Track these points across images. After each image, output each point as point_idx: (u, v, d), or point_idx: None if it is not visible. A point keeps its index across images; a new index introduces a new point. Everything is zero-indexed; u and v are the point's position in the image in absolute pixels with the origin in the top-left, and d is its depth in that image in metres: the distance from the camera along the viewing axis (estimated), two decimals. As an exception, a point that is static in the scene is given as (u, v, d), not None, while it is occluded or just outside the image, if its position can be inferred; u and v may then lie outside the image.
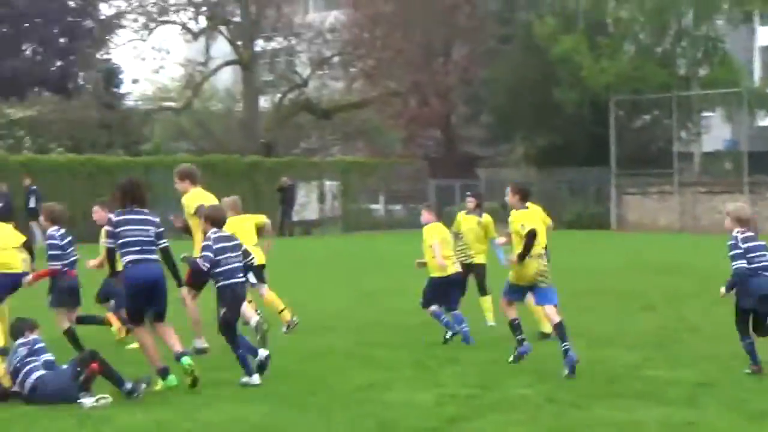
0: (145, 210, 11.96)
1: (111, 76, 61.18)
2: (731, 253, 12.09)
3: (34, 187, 39.88)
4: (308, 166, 51.63)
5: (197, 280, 13.82)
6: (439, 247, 14.83)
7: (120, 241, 11.77)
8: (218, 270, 11.94)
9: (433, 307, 14.91)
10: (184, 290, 13.59)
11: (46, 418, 10.09)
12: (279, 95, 62.41)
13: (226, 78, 68.50)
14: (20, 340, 11.37)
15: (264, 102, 63.51)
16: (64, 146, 51.45)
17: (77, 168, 43.84)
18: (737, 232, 12.18)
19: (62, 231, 13.83)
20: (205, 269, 11.92)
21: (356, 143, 66.70)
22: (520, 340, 13.13)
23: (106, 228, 12.50)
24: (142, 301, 11.79)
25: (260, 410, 10.42)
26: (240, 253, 12.19)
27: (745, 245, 12.08)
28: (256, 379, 11.71)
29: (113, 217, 11.98)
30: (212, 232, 12.16)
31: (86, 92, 58.39)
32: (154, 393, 11.18)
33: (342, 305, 19.60)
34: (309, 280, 24.57)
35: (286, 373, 12.39)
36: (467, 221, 16.49)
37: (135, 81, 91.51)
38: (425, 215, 15.38)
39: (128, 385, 10.86)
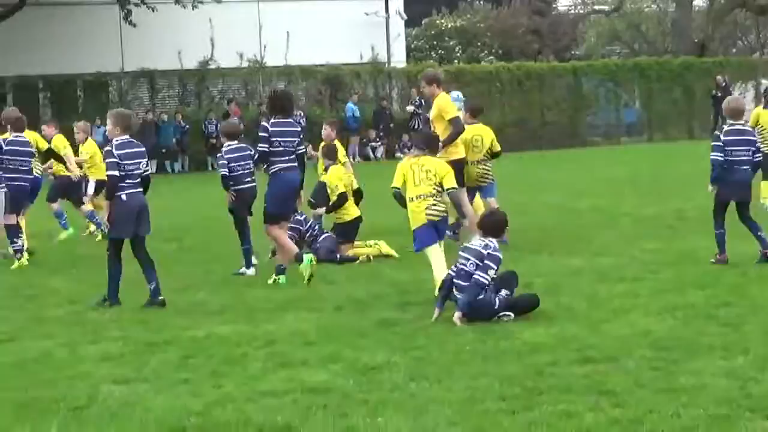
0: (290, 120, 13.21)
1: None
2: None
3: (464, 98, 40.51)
4: (743, 65, 49.18)
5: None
6: None
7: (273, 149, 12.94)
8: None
9: None
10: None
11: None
12: (714, -9, 59.75)
13: (660, -23, 66.44)
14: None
15: (698, 0, 61.01)
16: (494, 54, 51.94)
17: (506, 75, 44.01)
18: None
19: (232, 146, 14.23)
20: None
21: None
22: None
23: (261, 134, 13.07)
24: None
25: (667, 324, 9.83)
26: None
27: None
28: None
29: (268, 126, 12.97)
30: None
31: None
32: (558, 309, 10.84)
33: None
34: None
35: (702, 283, 11.72)
36: (764, 115, 19.05)
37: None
38: None
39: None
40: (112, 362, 9.25)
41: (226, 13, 39.85)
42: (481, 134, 16.35)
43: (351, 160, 38.92)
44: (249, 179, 14.10)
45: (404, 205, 11.80)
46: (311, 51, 40.87)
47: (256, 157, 13.58)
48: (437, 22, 54.69)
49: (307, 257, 12.93)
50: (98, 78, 40.11)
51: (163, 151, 38.17)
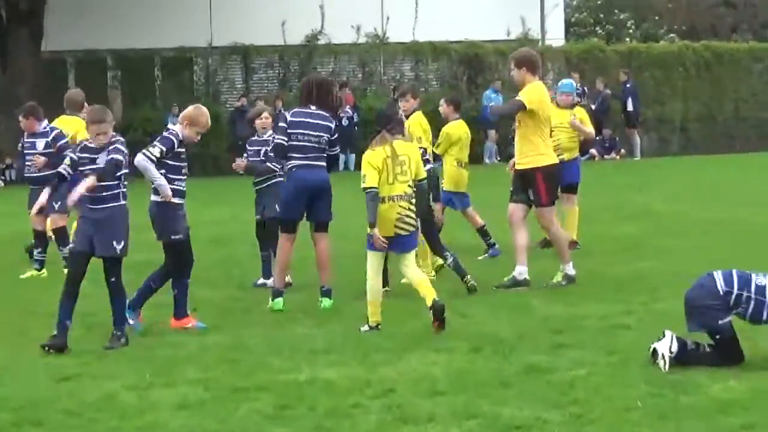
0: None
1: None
2: None
3: (630, 84, 40.15)
4: None
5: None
6: None
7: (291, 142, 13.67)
8: None
9: None
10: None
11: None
12: None
13: None
14: None
15: None
16: (676, 32, 51.50)
17: (691, 58, 43.60)
18: None
19: None
20: None
21: None
22: None
23: (280, 124, 14.00)
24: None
25: None
26: None
27: None
28: None
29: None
30: None
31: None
32: (755, 357, 10.64)
33: None
34: None
35: None
36: None
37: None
38: None
39: None
40: (191, 411, 9.30)
41: (341, -25, 40.26)
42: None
43: (489, 161, 39.08)
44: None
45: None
46: (445, 24, 41.00)
47: (269, 149, 14.63)
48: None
49: (278, 302, 13.74)
50: (180, 54, 40.76)
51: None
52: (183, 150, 12.64)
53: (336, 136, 13.89)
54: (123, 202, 11.93)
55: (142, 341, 12.11)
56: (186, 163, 12.75)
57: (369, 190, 12.23)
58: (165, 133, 12.75)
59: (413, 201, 12.51)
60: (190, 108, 12.89)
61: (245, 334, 12.28)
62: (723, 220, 20.96)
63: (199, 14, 40.49)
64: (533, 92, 14.84)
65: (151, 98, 40.23)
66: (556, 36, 44.56)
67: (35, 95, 29.79)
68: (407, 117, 16.28)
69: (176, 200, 12.50)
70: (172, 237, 12.62)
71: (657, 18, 53.20)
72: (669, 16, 53.25)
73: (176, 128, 12.71)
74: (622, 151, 40.06)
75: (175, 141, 12.52)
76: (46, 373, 10.70)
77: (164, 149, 12.41)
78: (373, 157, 12.30)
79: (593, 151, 39.60)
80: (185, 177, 12.73)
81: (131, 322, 12.47)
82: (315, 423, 8.84)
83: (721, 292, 10.25)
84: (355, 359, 10.95)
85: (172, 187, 12.48)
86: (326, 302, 13.81)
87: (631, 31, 51.77)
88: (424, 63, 42.03)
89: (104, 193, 11.79)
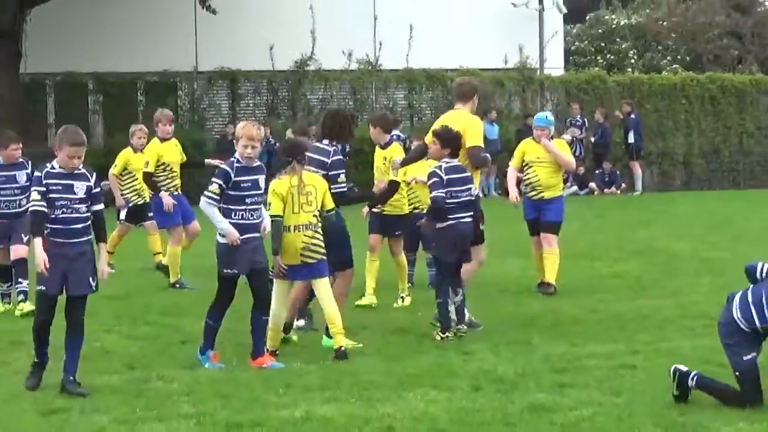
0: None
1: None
2: None
3: (634, 115, 40.21)
4: None
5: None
6: None
7: None
8: None
9: None
10: None
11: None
12: None
13: None
14: None
15: None
16: (680, 62, 51.62)
17: (695, 90, 43.67)
18: None
19: None
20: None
21: None
22: None
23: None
24: None
25: None
26: None
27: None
28: None
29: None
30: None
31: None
32: None
33: None
34: None
35: None
36: None
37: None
38: None
39: None
40: (183, 447, 9.38)
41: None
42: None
43: (484, 194, 39.05)
44: None
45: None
46: (440, 51, 41.01)
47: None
48: (606, 17, 54.63)
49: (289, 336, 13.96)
50: (164, 79, 40.70)
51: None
52: (248, 178, 12.52)
53: (334, 171, 13.81)
54: (91, 236, 11.77)
55: (133, 374, 12.17)
56: (254, 192, 12.61)
57: (274, 219, 12.72)
58: (222, 164, 12.92)
59: (319, 231, 12.95)
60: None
61: (239, 369, 12.37)
62: (727, 258, 21.04)
63: (184, 37, 40.40)
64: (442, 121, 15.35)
65: (134, 124, 40.09)
66: (555, 65, 44.55)
67: (15, 119, 29.91)
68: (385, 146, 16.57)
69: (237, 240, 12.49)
70: (225, 270, 12.68)
71: (660, 48, 53.37)
72: (672, 46, 53.44)
73: (237, 153, 12.66)
74: (623, 185, 40.10)
75: (231, 170, 12.49)
76: (33, 407, 10.78)
77: (221, 182, 12.44)
78: (279, 185, 12.78)
79: (593, 185, 39.69)
80: (255, 207, 12.63)
81: (207, 365, 12.60)
82: (312, 461, 8.93)
83: (745, 329, 10.32)
84: (353, 396, 11.02)
85: (232, 221, 12.47)
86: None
87: (633, 61, 51.93)
88: (417, 91, 42.02)
89: (79, 226, 11.59)
